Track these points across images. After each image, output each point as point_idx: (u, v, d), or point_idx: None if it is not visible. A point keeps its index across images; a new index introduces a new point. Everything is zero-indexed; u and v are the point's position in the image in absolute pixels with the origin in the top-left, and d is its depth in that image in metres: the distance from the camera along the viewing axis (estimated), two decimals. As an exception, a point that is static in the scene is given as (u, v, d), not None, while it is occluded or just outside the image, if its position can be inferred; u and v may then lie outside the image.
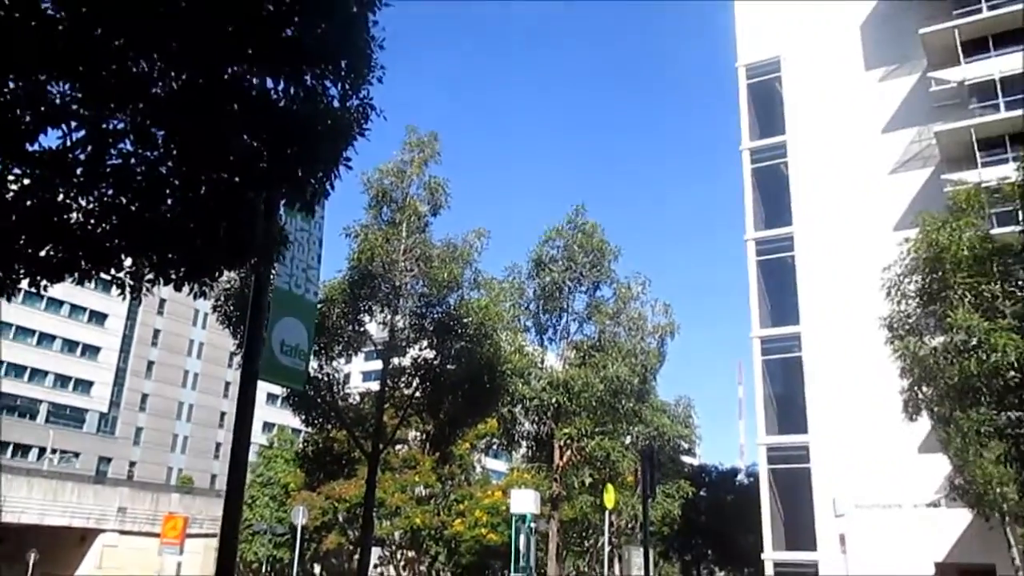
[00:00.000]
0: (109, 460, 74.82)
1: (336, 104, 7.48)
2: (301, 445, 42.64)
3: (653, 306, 22.94)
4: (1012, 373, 15.36)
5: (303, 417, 19.11)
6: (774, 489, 36.40)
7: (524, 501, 23.45)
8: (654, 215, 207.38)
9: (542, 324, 23.67)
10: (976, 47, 36.28)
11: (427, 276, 19.12)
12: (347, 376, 39.68)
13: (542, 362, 23.66)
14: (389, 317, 19.18)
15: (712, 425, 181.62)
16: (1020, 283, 17.20)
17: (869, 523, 33.06)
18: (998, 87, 35.47)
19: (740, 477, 52.82)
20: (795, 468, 35.94)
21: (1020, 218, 17.69)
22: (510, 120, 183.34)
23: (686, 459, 50.61)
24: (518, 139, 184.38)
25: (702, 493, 46.75)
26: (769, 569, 34.92)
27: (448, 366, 19.33)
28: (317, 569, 51.14)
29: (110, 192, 6.28)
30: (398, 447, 39.03)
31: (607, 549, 30.32)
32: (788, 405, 37.68)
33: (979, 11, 36.61)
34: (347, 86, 7.56)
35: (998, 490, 23.54)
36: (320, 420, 19.38)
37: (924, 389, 18.35)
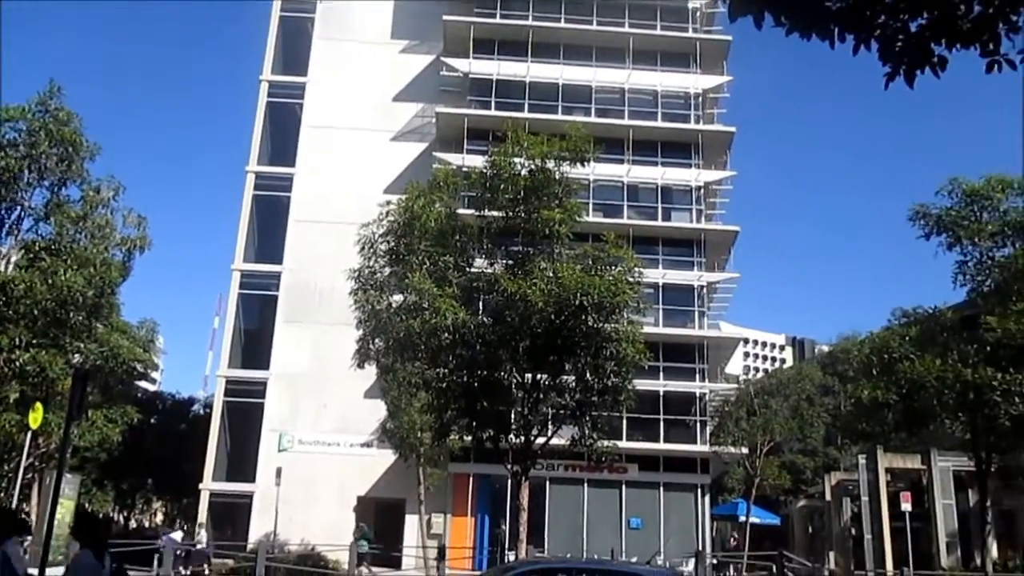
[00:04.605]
0: None
1: None
2: None
3: (125, 216, 20.99)
4: (446, 335, 17.46)
5: None
6: (226, 421, 36.49)
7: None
8: (162, 128, 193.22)
9: (-11, 216, 20.22)
10: (484, 47, 40.56)
11: None
12: None
13: (-20, 258, 20.25)
14: None
15: (183, 353, 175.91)
16: (470, 260, 19.61)
17: (308, 459, 35.11)
18: (494, 87, 40.17)
19: (196, 407, 51.87)
20: (251, 402, 36.48)
21: (485, 205, 19.95)
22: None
23: (143, 384, 48.01)
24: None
25: (152, 421, 44.80)
26: (205, 498, 34.96)
27: None
28: None
29: None
30: None
31: (24, 474, 27.25)
32: (256, 341, 38.05)
33: (493, 16, 40.96)
34: None
35: (418, 435, 26.80)
36: None
37: (376, 341, 19.88)
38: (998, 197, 21.50)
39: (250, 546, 30.22)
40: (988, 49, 5.09)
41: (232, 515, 34.80)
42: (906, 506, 30.28)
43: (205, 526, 32.62)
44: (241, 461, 35.93)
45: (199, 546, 29.17)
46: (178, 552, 27.07)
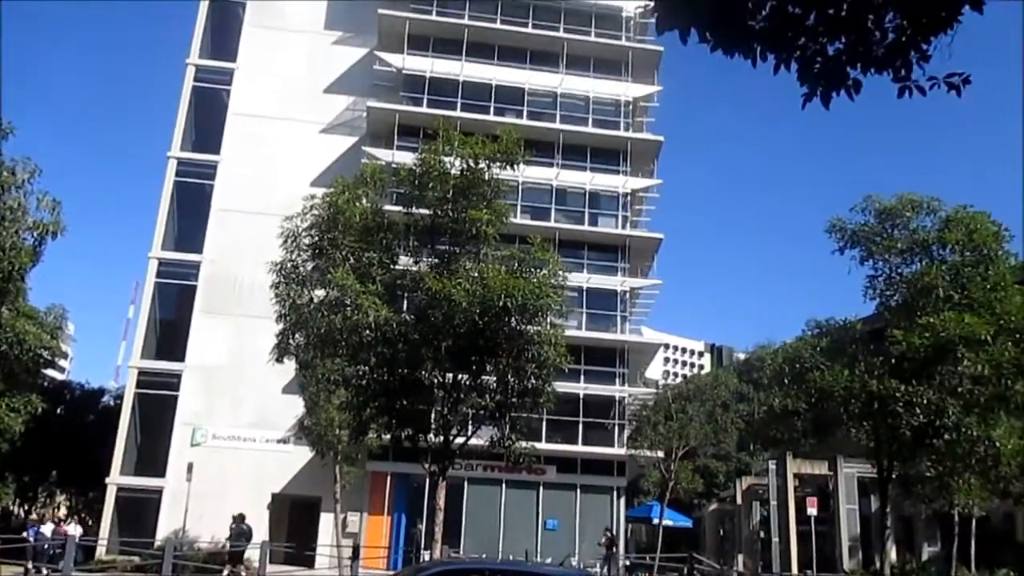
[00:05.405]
0: None
1: None
2: None
3: (40, 199, 20.11)
4: (368, 332, 17.31)
5: None
6: (137, 414, 35.33)
7: None
8: (80, 111, 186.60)
9: None
10: (419, 43, 40.29)
11: None
12: None
13: None
14: None
15: (96, 342, 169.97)
16: (395, 257, 19.49)
17: (222, 454, 34.30)
18: (427, 84, 39.95)
19: (107, 398, 50.12)
20: (164, 395, 35.43)
21: (413, 202, 19.80)
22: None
23: (50, 372, 46.16)
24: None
25: (59, 411, 43.10)
26: (111, 492, 33.81)
27: None
28: None
29: None
30: None
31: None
32: (172, 332, 36.98)
33: (429, 13, 40.71)
34: None
35: (336, 432, 26.47)
36: None
37: (296, 336, 19.54)
38: (908, 216, 22.37)
39: (157, 543, 29.38)
40: (900, 75, 5.30)
41: (140, 510, 33.72)
42: (812, 511, 31.33)
43: (75, 519, 31.62)
44: (151, 455, 34.84)
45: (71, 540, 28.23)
46: (46, 547, 26.27)
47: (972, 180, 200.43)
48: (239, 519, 25.26)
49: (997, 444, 20.07)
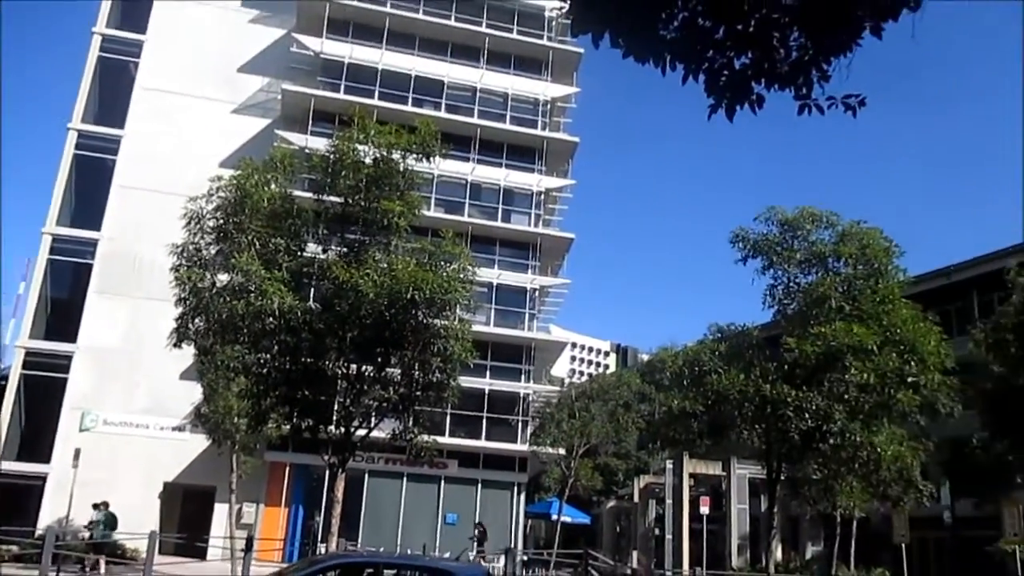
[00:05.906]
0: None
1: None
2: None
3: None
4: (271, 320, 16.91)
5: None
6: (22, 396, 33.66)
7: None
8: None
9: None
10: (339, 28, 39.64)
11: None
12: None
13: None
14: None
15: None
16: (303, 244, 19.09)
17: (113, 440, 33.03)
18: (345, 70, 39.32)
19: (-10, 379, 47.61)
20: (53, 377, 33.86)
21: (324, 189, 19.44)
22: None
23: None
24: None
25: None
26: (-10, 479, 32.12)
27: None
28: None
29: None
30: None
31: None
32: (65, 312, 35.38)
33: (351, -3, 40.08)
34: None
35: (234, 420, 25.80)
36: None
37: (196, 320, 18.91)
38: (808, 228, 23.15)
39: (39, 532, 28.06)
40: (802, 93, 5.52)
41: (22, 498, 32.14)
42: (705, 509, 32.31)
43: None
44: (36, 440, 33.27)
45: None
46: None
47: (872, 195, 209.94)
48: (103, 506, 24.47)
49: (878, 450, 20.95)
